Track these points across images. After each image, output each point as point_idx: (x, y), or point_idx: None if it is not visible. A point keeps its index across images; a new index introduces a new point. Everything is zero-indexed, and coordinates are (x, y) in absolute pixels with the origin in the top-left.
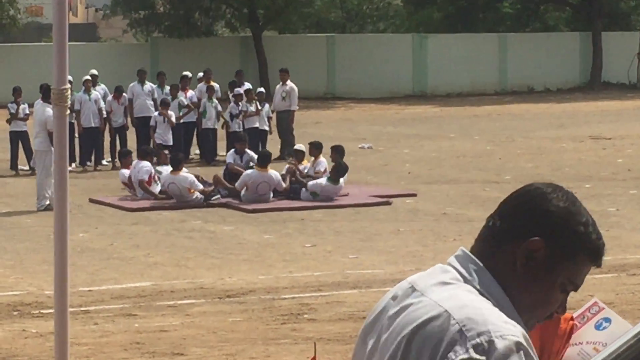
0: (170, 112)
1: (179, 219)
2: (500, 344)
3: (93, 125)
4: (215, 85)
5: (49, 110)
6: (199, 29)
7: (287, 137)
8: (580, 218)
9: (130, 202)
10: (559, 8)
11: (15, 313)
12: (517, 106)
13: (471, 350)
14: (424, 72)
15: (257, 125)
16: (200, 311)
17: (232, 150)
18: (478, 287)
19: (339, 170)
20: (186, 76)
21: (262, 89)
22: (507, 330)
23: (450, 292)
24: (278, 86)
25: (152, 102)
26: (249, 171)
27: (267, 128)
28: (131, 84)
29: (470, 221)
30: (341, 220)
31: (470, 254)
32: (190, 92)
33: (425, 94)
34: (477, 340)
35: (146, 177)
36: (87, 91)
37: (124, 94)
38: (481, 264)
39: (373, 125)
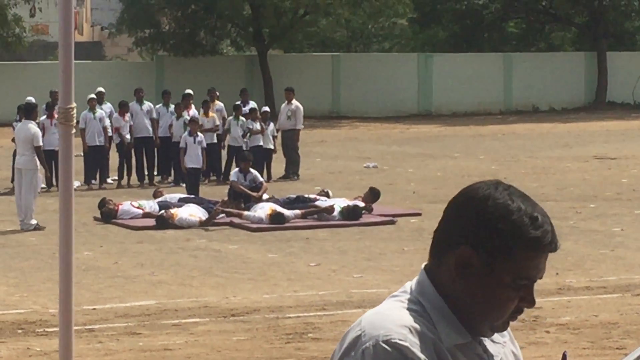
0: (200, 134)
1: (184, 238)
2: (380, 348)
3: (98, 143)
4: (219, 104)
5: (33, 127)
6: (205, 47)
7: (292, 156)
8: (510, 214)
9: (135, 221)
10: (564, 28)
11: (19, 331)
12: (522, 126)
13: (359, 354)
14: (429, 91)
15: (261, 143)
16: (204, 330)
17: (236, 169)
18: (421, 300)
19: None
20: (189, 94)
21: (267, 108)
22: (397, 334)
23: (384, 304)
24: (283, 105)
25: (149, 122)
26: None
27: (272, 147)
28: (130, 104)
29: None
30: (346, 239)
31: (423, 268)
32: (192, 110)
33: (430, 113)
34: (367, 344)
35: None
36: (92, 109)
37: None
38: (426, 277)
39: (378, 145)
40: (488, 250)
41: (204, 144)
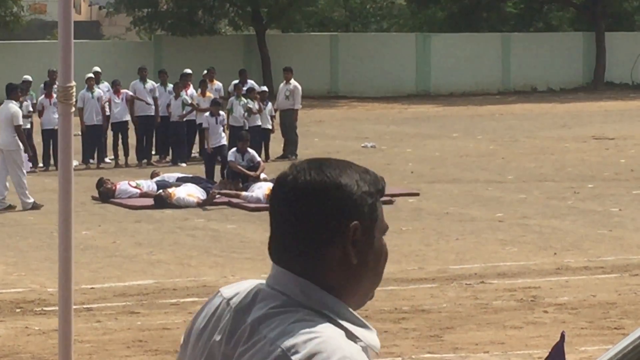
0: (222, 113)
1: (182, 217)
2: None
3: (96, 122)
4: (218, 83)
5: (14, 107)
6: (203, 27)
7: (290, 136)
8: (356, 176)
9: (133, 200)
10: (563, 8)
11: (18, 310)
12: (520, 106)
13: None
14: (427, 71)
15: (259, 123)
16: None
17: (234, 149)
18: (315, 307)
19: None
20: (187, 74)
21: (265, 88)
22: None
23: (286, 326)
24: (282, 85)
25: (152, 101)
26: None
27: (270, 127)
28: (132, 82)
29: (473, 220)
30: None
31: (291, 272)
32: (191, 90)
33: (428, 93)
34: None
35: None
36: (90, 89)
37: (124, 90)
38: (309, 283)
39: (376, 124)
40: (364, 216)
41: (225, 122)
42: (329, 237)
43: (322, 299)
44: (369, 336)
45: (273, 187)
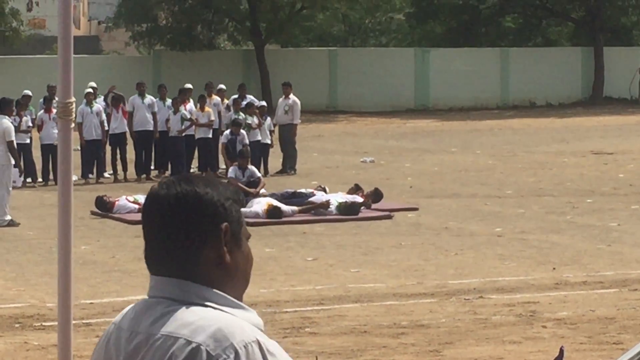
0: (242, 132)
1: None
2: (255, 347)
3: (95, 137)
4: (217, 98)
5: (6, 122)
6: (202, 42)
7: (289, 151)
8: (218, 189)
9: (132, 215)
10: (561, 23)
11: (17, 325)
12: (518, 121)
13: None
14: (426, 86)
15: (259, 138)
16: None
17: (234, 165)
18: (196, 301)
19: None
20: (187, 89)
21: (263, 102)
22: (247, 336)
23: (179, 321)
24: (281, 100)
25: (151, 116)
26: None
27: (269, 141)
28: (131, 97)
29: (472, 235)
30: (343, 234)
31: (169, 278)
32: (190, 105)
33: (427, 108)
34: (224, 356)
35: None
36: (89, 104)
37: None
38: (188, 281)
39: (375, 139)
40: (233, 219)
41: (246, 141)
42: (203, 239)
43: (201, 293)
44: (249, 315)
45: (146, 202)
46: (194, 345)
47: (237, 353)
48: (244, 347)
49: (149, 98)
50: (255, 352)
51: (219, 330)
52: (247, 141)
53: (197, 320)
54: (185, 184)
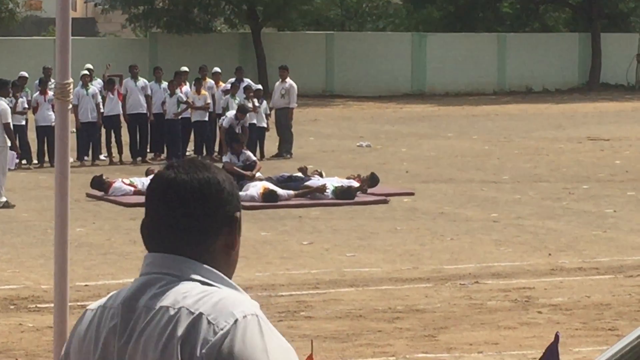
0: (246, 118)
1: None
2: (254, 319)
3: (90, 119)
4: (210, 81)
5: (2, 104)
6: (198, 25)
7: (285, 135)
8: (222, 174)
9: (127, 198)
10: (559, 8)
11: (11, 307)
12: (515, 106)
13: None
14: (422, 71)
15: (254, 122)
16: None
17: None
18: (199, 280)
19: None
20: (183, 71)
21: (260, 86)
22: (248, 309)
23: (182, 293)
24: (277, 83)
25: (144, 98)
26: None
27: (265, 125)
28: (124, 80)
29: (468, 220)
30: (338, 218)
31: (174, 255)
32: (185, 88)
33: (423, 92)
34: (224, 323)
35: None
36: (85, 86)
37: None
38: (195, 261)
39: (371, 124)
40: (240, 207)
41: (247, 124)
42: (219, 226)
43: (203, 273)
44: (246, 298)
45: (160, 184)
46: (196, 314)
47: (236, 321)
48: (244, 317)
49: (142, 81)
50: (253, 324)
51: (220, 301)
52: (247, 124)
53: (200, 294)
54: (206, 171)
